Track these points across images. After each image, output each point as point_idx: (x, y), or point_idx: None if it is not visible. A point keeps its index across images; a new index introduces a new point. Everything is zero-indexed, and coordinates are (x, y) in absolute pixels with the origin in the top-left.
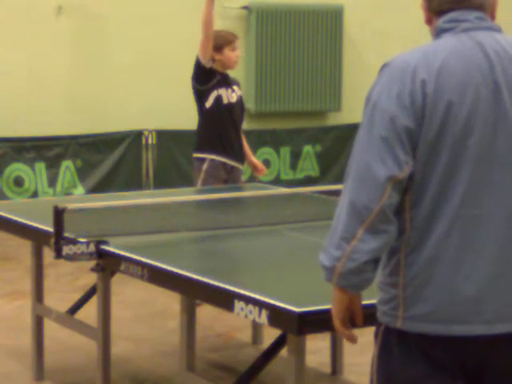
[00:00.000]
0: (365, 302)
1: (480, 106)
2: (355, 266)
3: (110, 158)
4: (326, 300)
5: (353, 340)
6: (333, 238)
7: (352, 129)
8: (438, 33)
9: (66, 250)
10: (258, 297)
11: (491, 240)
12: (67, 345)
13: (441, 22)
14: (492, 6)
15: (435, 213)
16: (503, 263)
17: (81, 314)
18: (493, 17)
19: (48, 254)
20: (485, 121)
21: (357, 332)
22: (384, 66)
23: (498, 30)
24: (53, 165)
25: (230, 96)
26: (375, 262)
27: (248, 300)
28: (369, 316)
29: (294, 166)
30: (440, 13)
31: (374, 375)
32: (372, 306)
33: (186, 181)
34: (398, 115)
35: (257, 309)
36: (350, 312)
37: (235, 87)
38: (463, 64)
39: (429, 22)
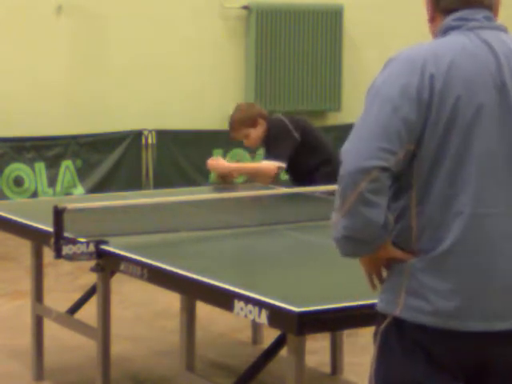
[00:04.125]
0: (365, 302)
1: (487, 104)
2: (337, 237)
3: (109, 158)
4: (326, 300)
5: (374, 286)
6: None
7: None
8: (444, 30)
9: (65, 249)
10: (257, 297)
11: (492, 239)
12: (67, 345)
13: (449, 19)
14: (497, 5)
15: (442, 210)
16: (503, 261)
17: (81, 314)
18: (496, 15)
19: (48, 253)
20: (491, 119)
21: (356, 332)
22: (390, 60)
23: (504, 29)
24: (53, 165)
25: None
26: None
27: (248, 300)
28: (369, 316)
29: None
30: (449, 11)
31: (373, 376)
32: (372, 306)
33: (186, 181)
34: (401, 106)
35: (256, 309)
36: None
37: None
38: (472, 61)
39: (432, 20)
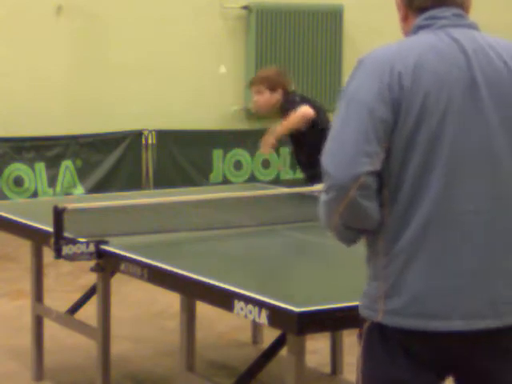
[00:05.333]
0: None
1: (456, 102)
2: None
3: (109, 158)
4: (326, 300)
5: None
6: None
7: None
8: (415, 30)
9: (65, 249)
10: (257, 297)
11: (467, 237)
12: (67, 345)
13: (420, 19)
14: (468, 3)
15: (411, 208)
16: (481, 259)
17: (81, 314)
18: (467, 13)
19: (48, 253)
20: (460, 117)
21: (356, 332)
22: (360, 62)
23: (476, 27)
24: (53, 165)
25: None
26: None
27: (248, 300)
28: None
29: (294, 166)
30: (421, 10)
31: (360, 376)
32: None
33: (186, 181)
34: (376, 108)
35: (257, 309)
36: None
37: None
38: (440, 59)
39: (405, 19)
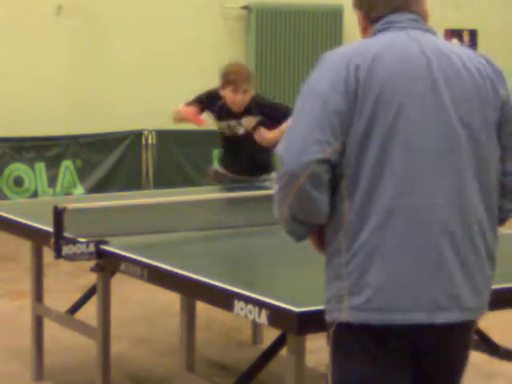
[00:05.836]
0: None
1: (413, 96)
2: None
3: (109, 158)
4: None
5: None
6: None
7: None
8: (374, 33)
9: (65, 249)
10: (257, 297)
11: (425, 231)
12: (67, 345)
13: (378, 24)
14: (424, 12)
15: (370, 203)
16: (440, 253)
17: (81, 314)
18: (425, 21)
19: (48, 253)
20: (417, 115)
21: None
22: (322, 59)
23: (433, 32)
24: (53, 165)
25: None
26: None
27: (248, 300)
28: None
29: None
30: (377, 20)
31: (330, 378)
32: None
33: (186, 181)
34: (331, 99)
35: (257, 309)
36: None
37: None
38: (398, 55)
39: (364, 30)
